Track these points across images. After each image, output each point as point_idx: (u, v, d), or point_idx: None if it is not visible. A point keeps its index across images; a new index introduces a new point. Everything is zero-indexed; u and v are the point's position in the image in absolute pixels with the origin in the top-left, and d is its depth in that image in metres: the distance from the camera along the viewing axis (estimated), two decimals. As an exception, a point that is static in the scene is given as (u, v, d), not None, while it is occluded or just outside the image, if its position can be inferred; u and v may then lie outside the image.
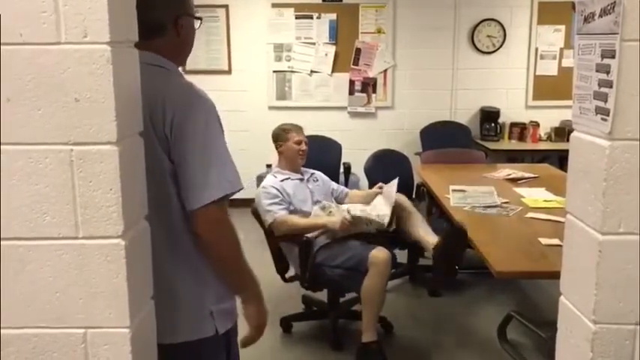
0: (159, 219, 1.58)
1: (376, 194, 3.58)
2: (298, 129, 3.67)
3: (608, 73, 1.16)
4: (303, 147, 3.60)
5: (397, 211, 3.46)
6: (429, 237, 3.37)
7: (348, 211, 3.30)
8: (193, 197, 1.57)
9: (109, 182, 1.13)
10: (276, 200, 3.38)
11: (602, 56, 1.18)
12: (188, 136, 1.58)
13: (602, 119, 1.17)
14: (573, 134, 1.29)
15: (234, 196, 1.64)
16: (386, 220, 3.29)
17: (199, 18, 1.78)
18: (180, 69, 1.78)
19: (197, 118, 1.59)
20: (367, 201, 3.60)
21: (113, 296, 1.17)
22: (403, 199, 3.54)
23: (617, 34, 1.12)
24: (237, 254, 1.71)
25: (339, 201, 3.72)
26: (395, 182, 3.50)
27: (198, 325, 1.71)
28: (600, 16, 1.17)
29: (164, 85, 1.62)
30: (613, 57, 1.14)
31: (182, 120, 1.57)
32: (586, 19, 1.23)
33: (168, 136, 1.57)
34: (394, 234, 3.46)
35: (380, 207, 3.41)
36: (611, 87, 1.15)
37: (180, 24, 1.70)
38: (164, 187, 1.60)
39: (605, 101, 1.16)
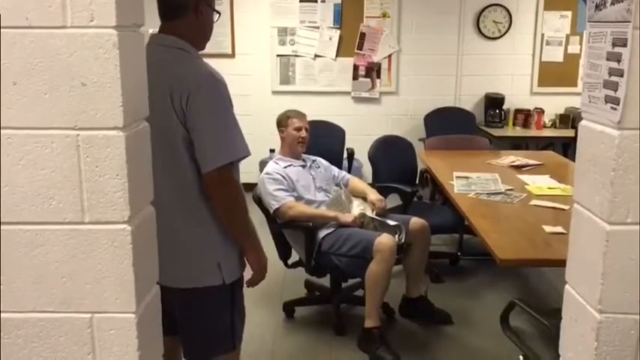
0: (172, 180, 1.90)
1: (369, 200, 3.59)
2: (301, 116, 3.64)
3: (619, 61, 1.14)
4: (303, 134, 3.56)
5: (415, 237, 3.46)
6: (418, 285, 3.61)
7: (364, 215, 3.38)
8: (206, 161, 1.87)
9: (116, 168, 1.12)
10: (282, 187, 3.37)
11: (614, 44, 1.16)
12: (202, 109, 1.85)
13: (612, 108, 1.16)
14: (582, 123, 1.28)
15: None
16: (401, 237, 3.30)
17: (218, 12, 2.04)
18: None
19: (210, 94, 1.87)
20: (364, 196, 3.64)
21: (119, 281, 1.17)
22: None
23: (629, 22, 1.10)
24: (243, 209, 2.00)
25: (340, 187, 3.72)
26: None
27: (206, 274, 1.99)
28: (612, 3, 1.16)
29: (183, 65, 1.91)
30: (624, 45, 1.12)
31: (197, 95, 1.85)
32: (597, 7, 1.22)
33: (184, 109, 1.84)
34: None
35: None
36: (621, 76, 1.14)
37: (200, 10, 1.96)
38: (176, 151, 1.88)
39: (616, 90, 1.15)
